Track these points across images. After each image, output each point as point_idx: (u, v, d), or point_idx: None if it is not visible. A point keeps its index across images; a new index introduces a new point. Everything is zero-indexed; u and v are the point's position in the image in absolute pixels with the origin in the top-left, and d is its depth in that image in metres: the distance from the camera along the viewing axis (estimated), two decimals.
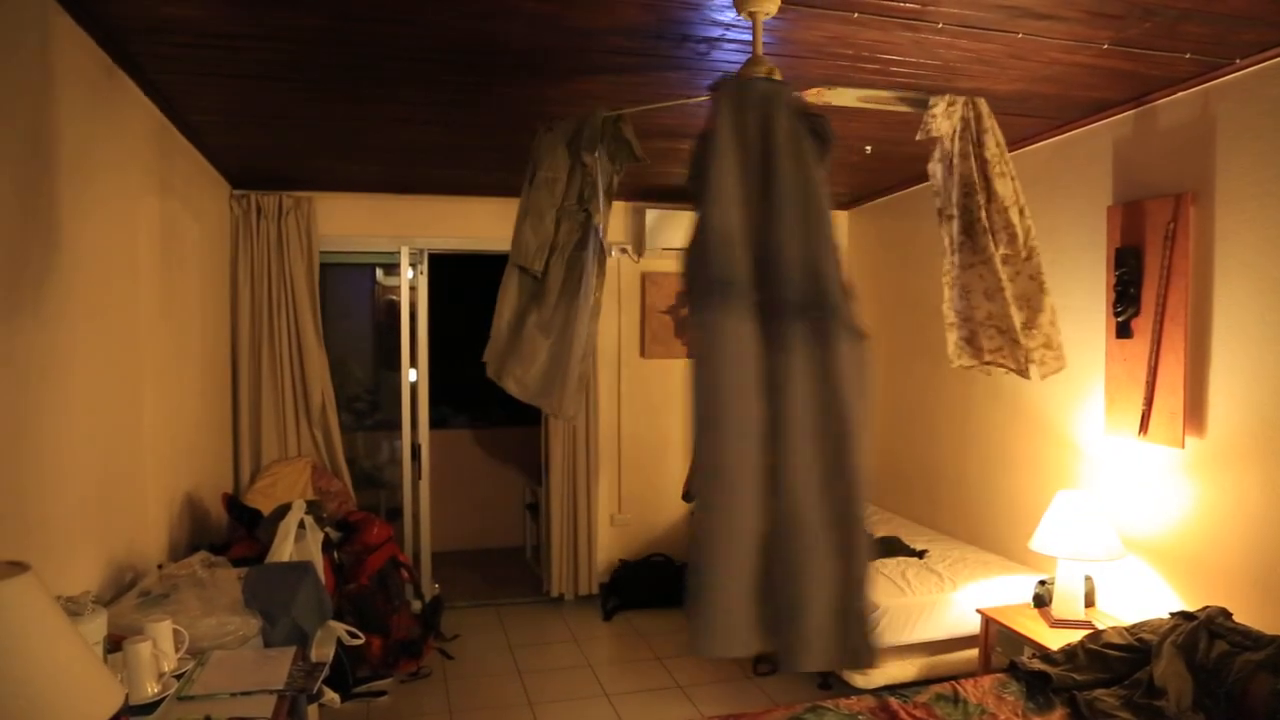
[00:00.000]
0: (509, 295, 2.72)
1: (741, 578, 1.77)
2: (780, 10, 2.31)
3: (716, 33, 2.59)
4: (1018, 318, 2.58)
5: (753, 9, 2.27)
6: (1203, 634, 2.66)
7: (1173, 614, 2.86)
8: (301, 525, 3.20)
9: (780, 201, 1.88)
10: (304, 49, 2.73)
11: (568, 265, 2.72)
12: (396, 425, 5.38)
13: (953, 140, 2.58)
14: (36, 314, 2.16)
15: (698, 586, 1.78)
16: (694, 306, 1.85)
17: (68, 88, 2.35)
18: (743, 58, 2.68)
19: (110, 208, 2.72)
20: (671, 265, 5.55)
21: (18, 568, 1.29)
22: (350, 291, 7.11)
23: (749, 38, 2.56)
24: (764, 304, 1.83)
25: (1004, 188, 2.57)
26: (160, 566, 2.90)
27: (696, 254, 1.87)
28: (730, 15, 2.43)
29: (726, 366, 1.79)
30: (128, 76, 2.86)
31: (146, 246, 3.10)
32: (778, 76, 2.29)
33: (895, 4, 2.39)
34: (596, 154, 2.67)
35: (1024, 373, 2.61)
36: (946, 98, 2.56)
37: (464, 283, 6.33)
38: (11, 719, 1.19)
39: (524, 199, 2.72)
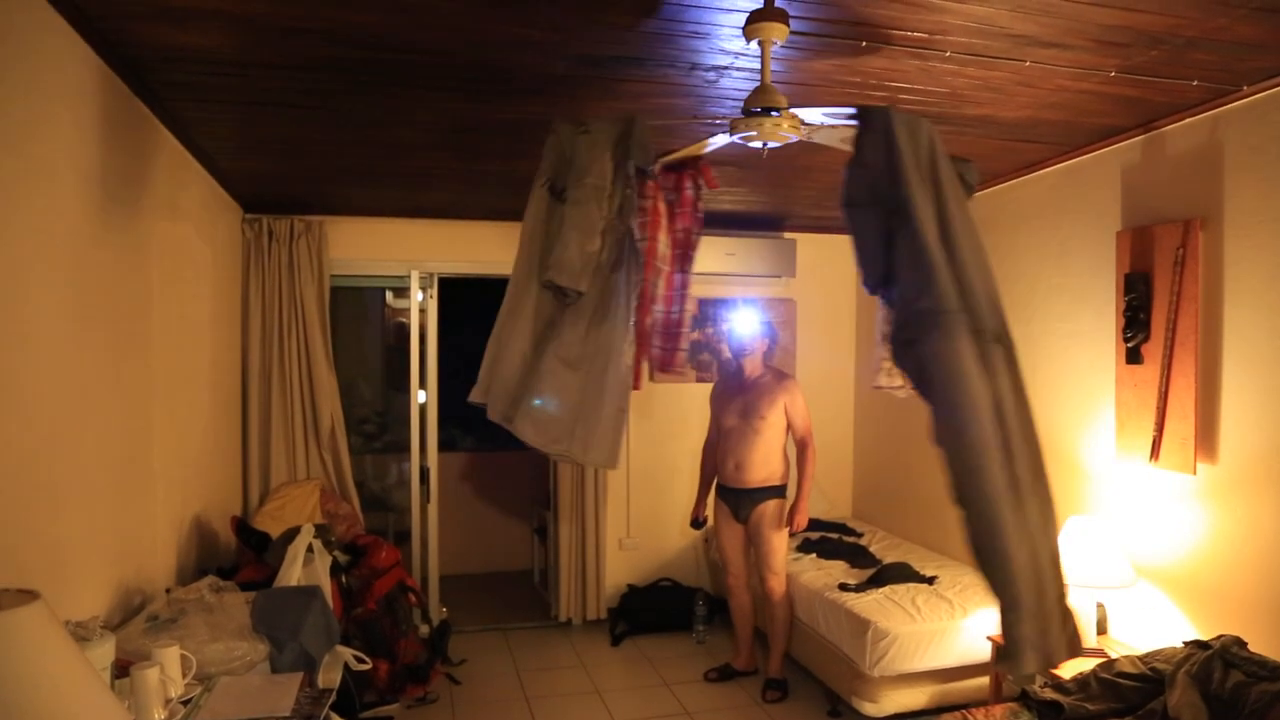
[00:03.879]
0: (522, 321, 2.33)
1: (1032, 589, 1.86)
2: (788, 39, 2.32)
3: (725, 60, 2.61)
4: None
5: (761, 37, 2.29)
6: (1217, 663, 2.63)
7: (1186, 643, 2.83)
8: (310, 549, 3.19)
9: (956, 235, 1.95)
10: (315, 77, 2.76)
11: (601, 289, 2.35)
12: (405, 448, 5.38)
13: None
14: (48, 337, 2.18)
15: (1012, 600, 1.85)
16: (916, 336, 1.91)
17: (85, 114, 2.39)
18: (751, 85, 2.71)
19: (124, 232, 2.75)
20: None
21: (28, 596, 1.29)
22: (360, 314, 7.14)
23: (757, 66, 2.59)
24: (973, 332, 1.90)
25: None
26: (168, 590, 2.90)
27: (911, 281, 1.92)
28: (739, 44, 2.45)
29: (968, 388, 1.87)
30: (143, 104, 2.89)
31: (159, 270, 3.13)
32: (785, 104, 2.31)
33: (903, 33, 2.41)
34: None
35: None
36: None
37: (473, 306, 6.35)
38: None
39: (567, 208, 2.30)
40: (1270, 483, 2.90)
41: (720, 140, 2.50)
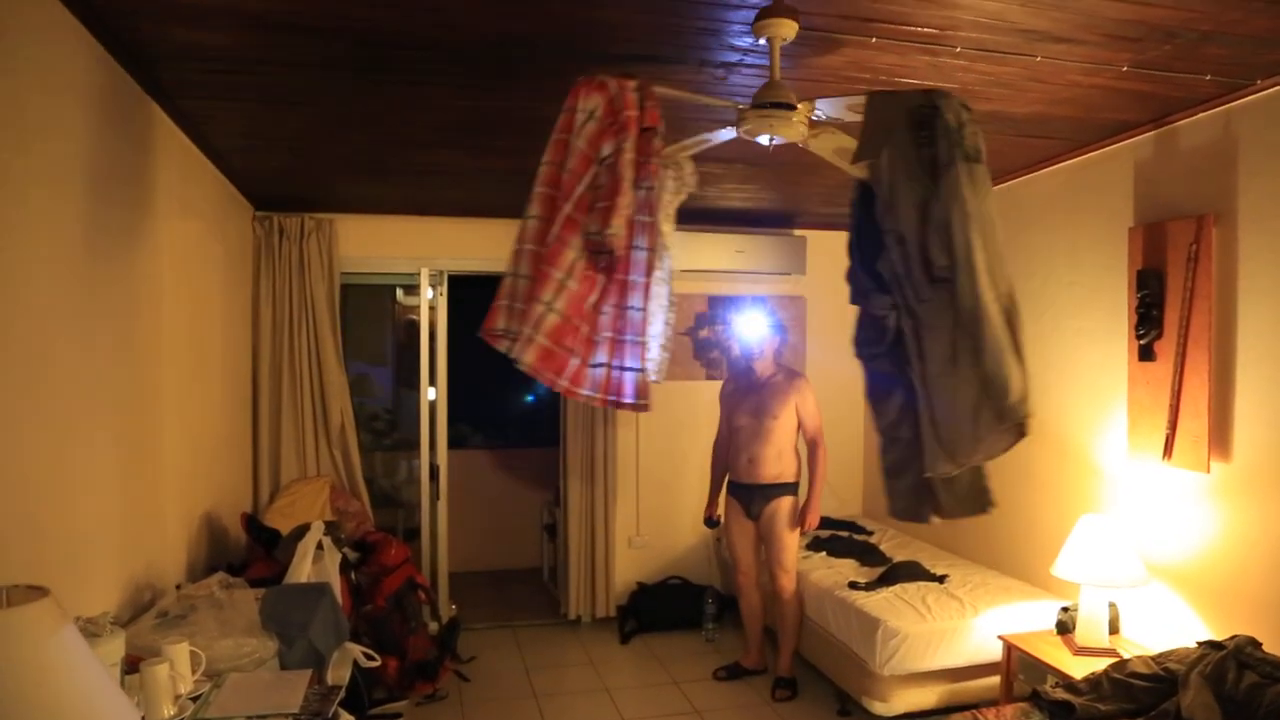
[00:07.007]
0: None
1: None
2: (798, 35, 2.31)
3: (734, 58, 2.60)
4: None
5: (770, 34, 2.28)
6: (1231, 664, 2.60)
7: (1200, 643, 2.81)
8: (320, 546, 3.20)
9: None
10: (325, 74, 2.76)
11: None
12: (415, 445, 5.40)
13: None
14: (60, 335, 2.19)
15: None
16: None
17: (96, 112, 2.39)
18: (760, 82, 2.70)
19: (135, 230, 2.76)
20: (690, 286, 5.54)
21: (37, 592, 1.30)
22: (370, 312, 7.16)
23: (766, 62, 2.57)
24: None
25: None
26: (178, 587, 2.91)
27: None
28: (748, 40, 2.44)
29: None
30: (154, 101, 2.90)
31: (170, 268, 3.13)
32: (794, 101, 2.30)
33: (913, 28, 2.40)
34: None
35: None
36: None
37: (483, 304, 6.36)
38: None
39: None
40: None
41: (724, 134, 2.49)
